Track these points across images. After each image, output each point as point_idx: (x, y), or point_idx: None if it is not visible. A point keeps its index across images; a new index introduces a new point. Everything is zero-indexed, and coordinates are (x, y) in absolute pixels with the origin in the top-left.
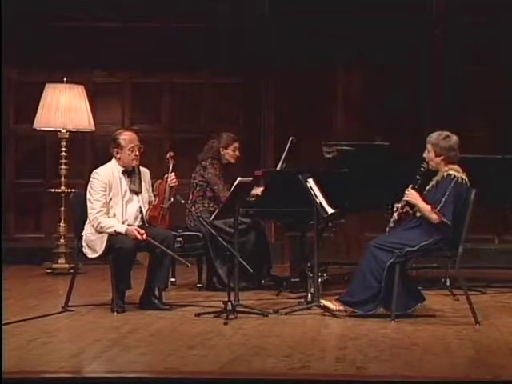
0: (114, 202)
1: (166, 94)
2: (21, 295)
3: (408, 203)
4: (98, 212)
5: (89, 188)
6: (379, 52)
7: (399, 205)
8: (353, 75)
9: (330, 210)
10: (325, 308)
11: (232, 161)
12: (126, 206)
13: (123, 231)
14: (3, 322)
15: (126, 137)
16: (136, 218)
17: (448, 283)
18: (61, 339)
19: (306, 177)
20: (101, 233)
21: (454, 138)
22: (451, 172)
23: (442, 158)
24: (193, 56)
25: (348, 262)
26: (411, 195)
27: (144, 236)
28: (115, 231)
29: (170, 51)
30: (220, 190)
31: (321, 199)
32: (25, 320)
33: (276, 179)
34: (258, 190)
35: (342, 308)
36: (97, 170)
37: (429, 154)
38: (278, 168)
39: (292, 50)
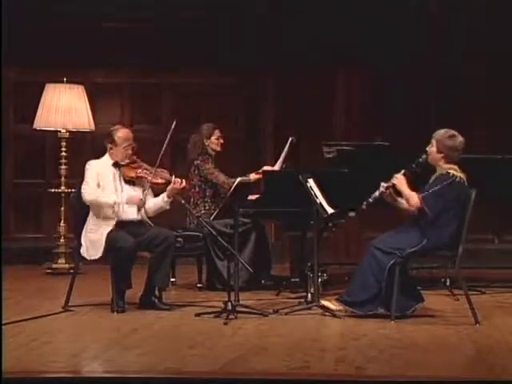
0: (109, 191)
1: (166, 94)
2: (21, 295)
3: (394, 187)
4: (93, 189)
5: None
6: (379, 52)
7: (385, 184)
8: (353, 75)
9: (330, 210)
10: (325, 308)
11: (218, 149)
12: (121, 196)
13: (124, 201)
14: (3, 322)
15: (121, 135)
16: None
17: (448, 283)
18: (61, 339)
19: (306, 177)
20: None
21: (460, 138)
22: (450, 171)
23: (442, 155)
24: (193, 56)
25: (348, 261)
26: (398, 180)
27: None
28: (114, 202)
29: (170, 51)
30: (219, 176)
31: (321, 199)
32: (25, 320)
33: (276, 179)
34: (254, 176)
35: (342, 308)
36: (89, 161)
37: (431, 147)
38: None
39: (292, 49)
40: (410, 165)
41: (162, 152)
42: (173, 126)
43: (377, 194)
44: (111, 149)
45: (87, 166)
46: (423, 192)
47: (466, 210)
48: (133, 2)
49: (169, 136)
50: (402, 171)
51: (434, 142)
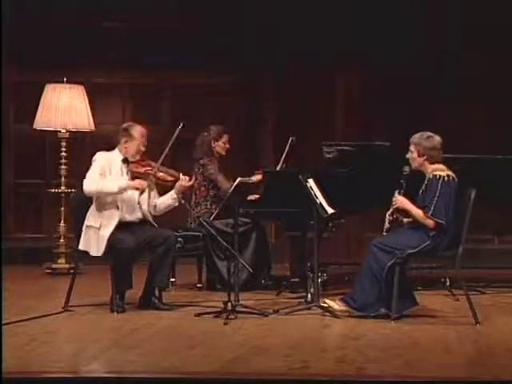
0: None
1: (166, 94)
2: (21, 295)
3: (398, 210)
4: (94, 180)
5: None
6: (379, 52)
7: (389, 212)
8: (353, 75)
9: (330, 210)
10: (327, 308)
11: (223, 153)
12: (126, 194)
13: (125, 185)
14: (3, 322)
15: (139, 129)
16: (135, 209)
17: (448, 283)
18: (61, 339)
19: (306, 177)
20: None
21: (437, 138)
22: (436, 173)
23: (424, 157)
24: (193, 56)
25: (348, 262)
26: (400, 202)
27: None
28: (119, 187)
29: (170, 51)
30: (222, 182)
31: (321, 199)
32: (25, 320)
33: (276, 179)
34: (256, 177)
35: (344, 309)
36: (98, 153)
37: (412, 154)
38: (278, 168)
39: (292, 49)
40: (398, 182)
41: (164, 152)
42: (178, 130)
43: (387, 224)
44: (126, 142)
45: (94, 157)
46: (419, 200)
47: (466, 210)
48: (132, 2)
49: (173, 139)
50: (396, 191)
51: (412, 147)
